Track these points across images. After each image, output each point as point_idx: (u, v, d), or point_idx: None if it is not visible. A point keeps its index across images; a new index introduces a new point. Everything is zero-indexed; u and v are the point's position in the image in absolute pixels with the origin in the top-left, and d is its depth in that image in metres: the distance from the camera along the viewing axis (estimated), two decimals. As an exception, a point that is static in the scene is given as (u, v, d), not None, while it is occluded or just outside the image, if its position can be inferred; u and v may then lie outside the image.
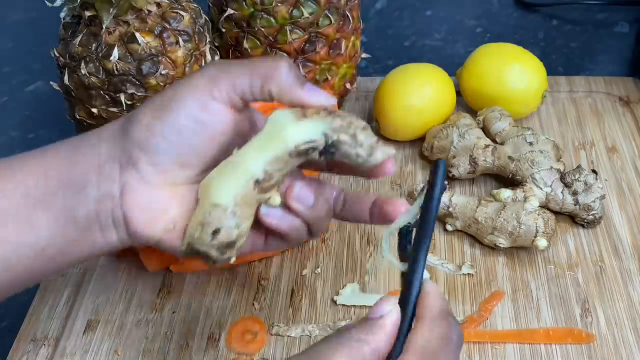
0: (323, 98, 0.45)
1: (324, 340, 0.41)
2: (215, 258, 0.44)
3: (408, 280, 0.42)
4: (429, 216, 0.42)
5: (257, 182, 0.43)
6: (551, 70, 0.81)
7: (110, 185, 0.45)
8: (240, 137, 0.46)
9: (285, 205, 0.46)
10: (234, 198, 0.43)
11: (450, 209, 0.67)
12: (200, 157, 0.45)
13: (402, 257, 0.45)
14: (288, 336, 0.61)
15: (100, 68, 0.62)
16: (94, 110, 0.64)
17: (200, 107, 0.44)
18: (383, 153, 0.43)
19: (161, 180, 0.45)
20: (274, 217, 0.46)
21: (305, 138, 0.43)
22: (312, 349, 0.41)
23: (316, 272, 0.66)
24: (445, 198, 0.67)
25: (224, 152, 0.45)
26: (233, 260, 0.45)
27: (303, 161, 0.44)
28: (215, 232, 0.43)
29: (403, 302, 0.42)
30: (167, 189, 0.45)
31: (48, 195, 0.44)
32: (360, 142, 0.43)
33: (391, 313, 0.42)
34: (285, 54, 0.71)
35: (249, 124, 0.47)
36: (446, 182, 0.43)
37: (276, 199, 0.45)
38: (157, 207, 0.45)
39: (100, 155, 0.45)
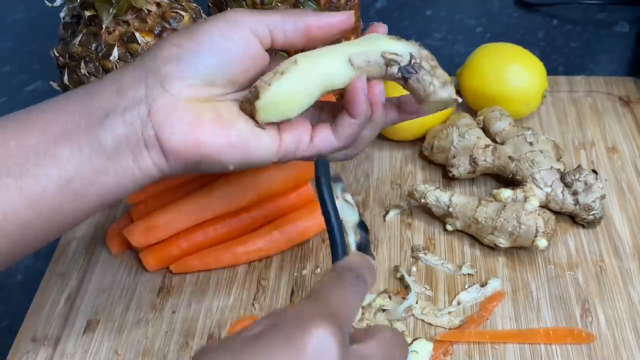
0: (343, 16, 0.49)
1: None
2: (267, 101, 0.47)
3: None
4: (324, 208, 0.46)
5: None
6: (551, 70, 0.80)
7: (137, 105, 0.45)
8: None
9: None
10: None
11: (450, 209, 0.66)
12: (227, 77, 0.47)
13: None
14: (288, 336, 0.60)
15: (100, 68, 0.62)
16: (94, 110, 0.64)
17: (230, 29, 0.46)
18: (451, 92, 0.49)
19: (189, 94, 0.46)
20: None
21: (393, 49, 0.48)
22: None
23: (316, 272, 0.66)
24: (445, 198, 0.67)
25: (250, 81, 0.48)
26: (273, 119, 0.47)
27: (382, 73, 0.48)
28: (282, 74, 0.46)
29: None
30: (195, 104, 0.46)
31: (70, 127, 0.45)
32: (437, 75, 0.48)
33: None
34: (285, 53, 0.71)
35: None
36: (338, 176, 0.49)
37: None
38: (189, 122, 0.46)
39: (122, 81, 0.46)
